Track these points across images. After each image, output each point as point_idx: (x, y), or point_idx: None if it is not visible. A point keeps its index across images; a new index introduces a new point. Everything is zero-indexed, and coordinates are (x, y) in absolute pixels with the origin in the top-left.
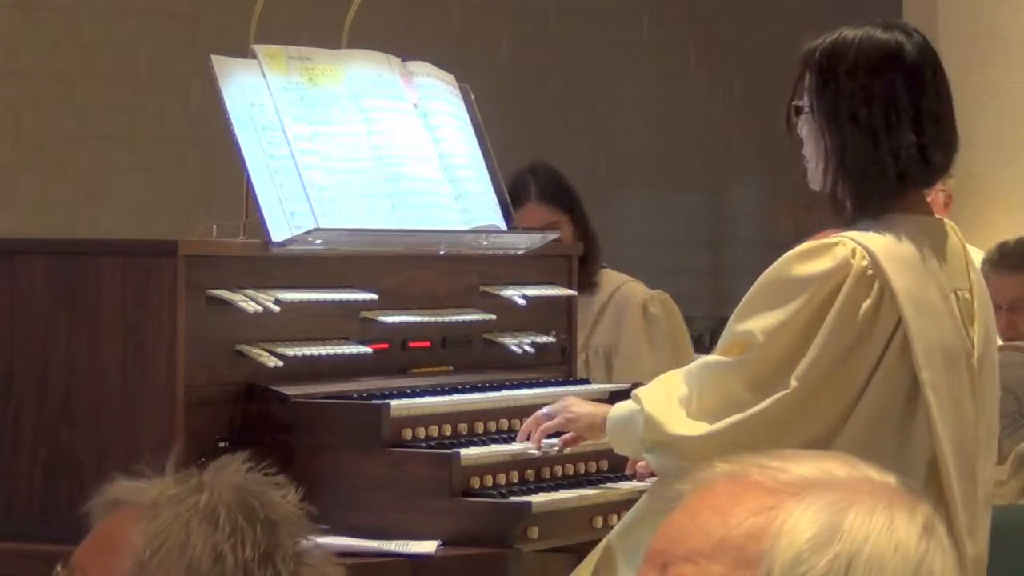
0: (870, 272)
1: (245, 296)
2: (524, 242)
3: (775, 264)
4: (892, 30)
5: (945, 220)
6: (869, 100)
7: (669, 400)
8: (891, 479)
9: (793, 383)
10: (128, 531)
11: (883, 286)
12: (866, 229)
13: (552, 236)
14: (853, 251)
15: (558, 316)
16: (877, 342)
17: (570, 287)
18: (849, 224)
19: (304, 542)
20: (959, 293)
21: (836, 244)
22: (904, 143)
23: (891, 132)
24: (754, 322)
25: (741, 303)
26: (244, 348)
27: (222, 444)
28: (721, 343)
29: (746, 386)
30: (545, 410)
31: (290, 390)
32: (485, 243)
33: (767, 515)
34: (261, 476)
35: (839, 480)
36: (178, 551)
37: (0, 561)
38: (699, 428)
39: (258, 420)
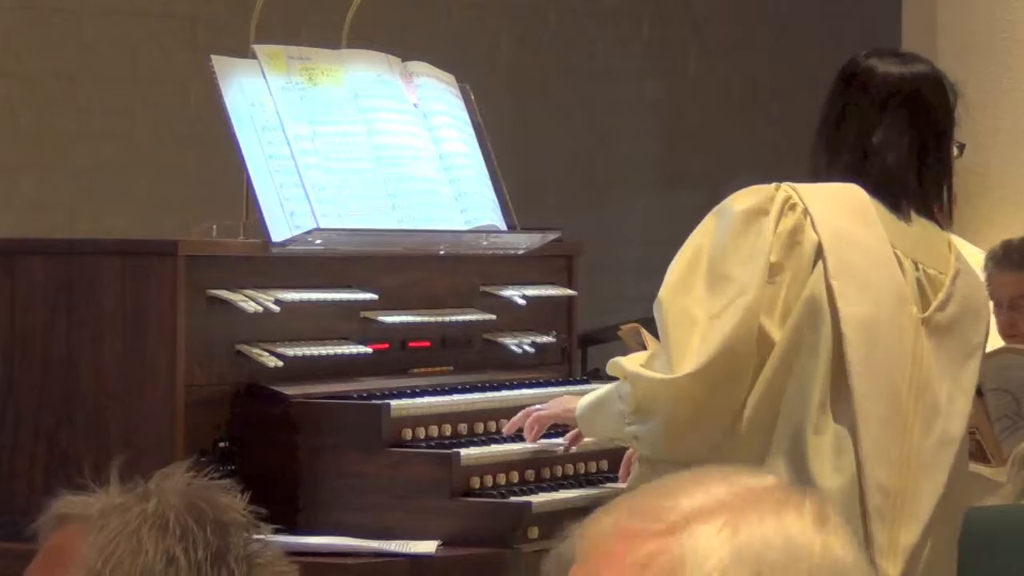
0: (792, 201)
1: (245, 296)
2: (524, 242)
3: None
4: (875, 55)
5: (930, 221)
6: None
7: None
8: (769, 480)
9: (748, 295)
10: (78, 544)
11: (805, 212)
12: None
13: (552, 236)
14: (778, 187)
15: (558, 316)
16: (799, 261)
17: (570, 287)
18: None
19: (255, 543)
20: (921, 266)
21: (766, 185)
22: (820, 140)
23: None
24: (687, 249)
25: None
26: (244, 348)
27: (222, 444)
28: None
29: (697, 300)
30: (538, 406)
31: (290, 390)
32: (485, 243)
33: (663, 558)
34: (207, 481)
35: (721, 501)
36: (130, 558)
37: (1, 561)
38: (687, 365)
39: (258, 420)
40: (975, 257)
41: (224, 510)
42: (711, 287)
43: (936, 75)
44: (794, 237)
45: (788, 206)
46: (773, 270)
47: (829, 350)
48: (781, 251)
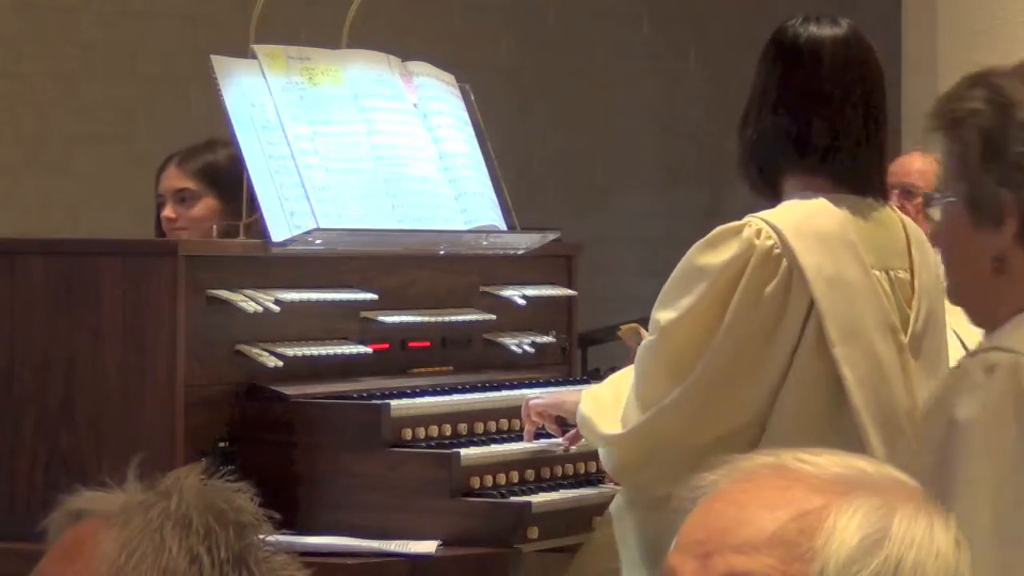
0: (776, 251)
1: (245, 296)
2: (524, 242)
3: (688, 252)
4: (811, 22)
5: (885, 204)
6: (758, 82)
7: (617, 395)
8: (916, 484)
9: (699, 368)
10: (99, 539)
11: (791, 265)
12: (781, 206)
13: (552, 236)
14: (759, 232)
15: (558, 316)
16: (791, 324)
17: (570, 287)
18: (770, 202)
19: (269, 546)
20: (891, 272)
21: (743, 227)
22: (777, 123)
23: (770, 112)
24: (662, 311)
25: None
26: (244, 348)
27: (222, 444)
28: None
29: (664, 372)
30: (536, 393)
31: (290, 390)
32: (485, 243)
33: (819, 513)
34: (223, 482)
35: (874, 480)
36: (153, 555)
37: (0, 561)
38: (625, 424)
39: (258, 420)
40: None
41: (243, 511)
42: (670, 353)
43: (865, 36)
44: (780, 299)
45: (772, 259)
46: (752, 337)
47: (836, 417)
48: (766, 314)
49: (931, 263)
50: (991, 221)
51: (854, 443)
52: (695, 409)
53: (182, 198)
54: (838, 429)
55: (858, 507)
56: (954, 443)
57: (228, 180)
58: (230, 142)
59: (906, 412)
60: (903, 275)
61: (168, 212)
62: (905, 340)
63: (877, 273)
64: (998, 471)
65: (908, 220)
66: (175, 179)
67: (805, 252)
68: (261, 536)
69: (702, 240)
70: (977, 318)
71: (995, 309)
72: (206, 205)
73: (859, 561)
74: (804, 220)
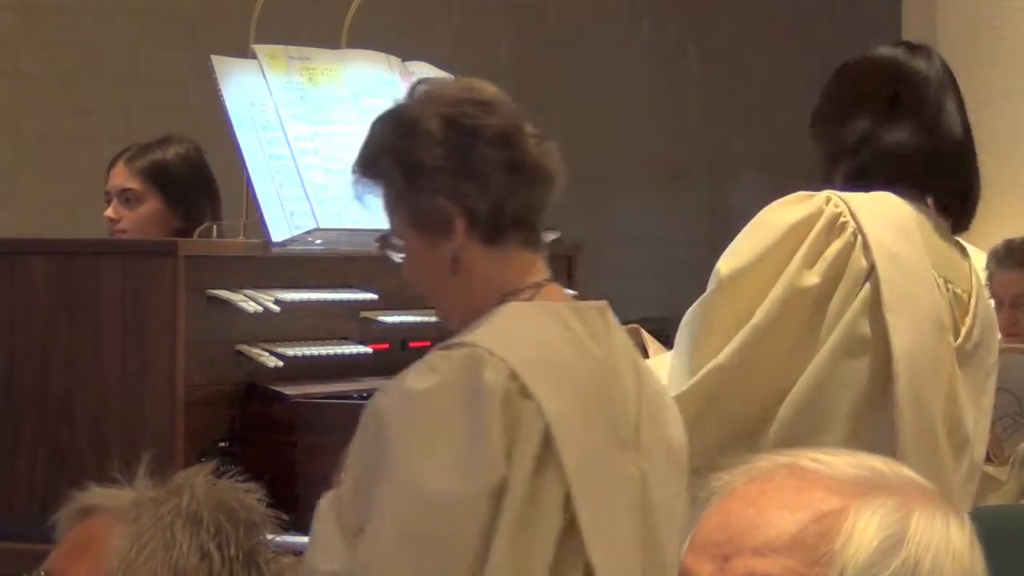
0: (843, 219)
1: (245, 296)
2: None
3: (762, 210)
4: (901, 46)
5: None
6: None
7: (660, 364)
8: (929, 483)
9: (756, 318)
10: (110, 534)
11: (856, 232)
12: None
13: (552, 236)
14: (828, 199)
15: None
16: (847, 286)
17: (570, 287)
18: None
19: (276, 547)
20: (950, 285)
21: (815, 194)
22: (847, 134)
23: (833, 124)
24: (725, 260)
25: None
26: (244, 348)
27: (222, 444)
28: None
29: (721, 325)
30: None
31: (290, 390)
32: None
33: (837, 515)
34: (232, 482)
35: (890, 481)
36: (164, 551)
37: (0, 561)
38: (679, 385)
39: (258, 420)
40: (973, 257)
41: (252, 510)
42: (729, 305)
43: (947, 68)
44: (841, 261)
45: (838, 225)
46: (808, 294)
47: (865, 381)
48: (826, 274)
49: (991, 308)
50: (442, 230)
51: (886, 424)
52: (753, 360)
53: (127, 198)
54: (874, 407)
55: (876, 509)
56: (402, 409)
57: (175, 181)
58: (185, 140)
59: (945, 411)
60: (960, 292)
61: (109, 212)
62: (953, 343)
63: (935, 275)
64: (447, 445)
65: (973, 250)
66: (121, 177)
67: (871, 225)
68: (270, 535)
69: (774, 203)
70: (453, 323)
71: (463, 309)
72: (150, 207)
73: (878, 564)
74: (874, 200)
